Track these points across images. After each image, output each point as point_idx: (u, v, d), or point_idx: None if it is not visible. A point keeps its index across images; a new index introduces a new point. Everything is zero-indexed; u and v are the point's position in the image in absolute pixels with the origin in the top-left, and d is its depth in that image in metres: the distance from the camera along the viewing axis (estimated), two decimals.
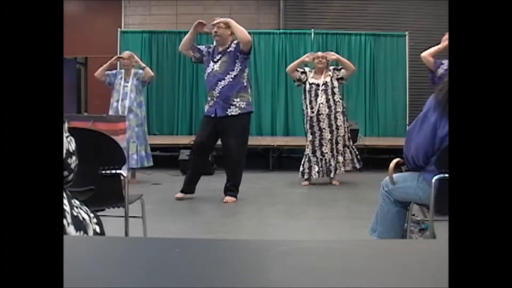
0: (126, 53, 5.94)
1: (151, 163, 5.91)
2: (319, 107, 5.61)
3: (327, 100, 5.61)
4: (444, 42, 4.48)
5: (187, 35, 4.83)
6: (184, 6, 9.21)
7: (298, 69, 5.82)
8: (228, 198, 4.80)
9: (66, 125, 1.41)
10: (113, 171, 2.46)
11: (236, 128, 4.74)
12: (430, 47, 4.69)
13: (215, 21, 4.73)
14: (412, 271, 0.70)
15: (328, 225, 4.04)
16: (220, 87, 4.68)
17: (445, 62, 4.43)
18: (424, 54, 4.64)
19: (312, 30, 8.85)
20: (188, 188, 4.91)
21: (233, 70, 4.70)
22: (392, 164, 2.59)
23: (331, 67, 5.78)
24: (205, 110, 4.87)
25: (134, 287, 0.62)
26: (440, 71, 4.44)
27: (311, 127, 5.70)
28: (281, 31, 9.01)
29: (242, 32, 4.65)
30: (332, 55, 5.71)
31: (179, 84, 8.91)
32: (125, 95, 5.69)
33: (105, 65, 5.78)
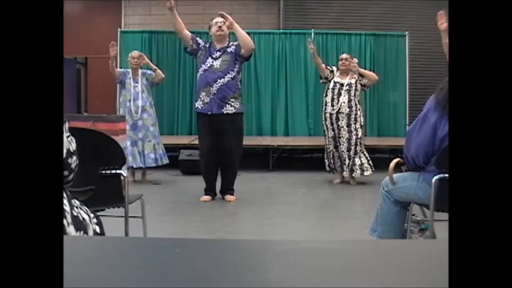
0: (135, 52, 5.89)
1: (168, 161, 5.96)
2: (340, 105, 5.70)
3: (349, 100, 5.70)
4: (442, 25, 3.86)
5: (173, 19, 4.81)
6: (184, 6, 9.20)
7: (328, 67, 5.92)
8: (231, 197, 4.82)
9: (66, 125, 1.41)
10: (113, 171, 2.46)
11: (232, 128, 4.72)
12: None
13: (222, 15, 4.68)
14: (412, 271, 0.70)
15: (328, 225, 4.04)
16: (219, 84, 4.62)
17: None
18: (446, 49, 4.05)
19: (312, 30, 8.84)
20: (213, 192, 4.90)
21: (233, 70, 4.68)
22: (392, 164, 2.59)
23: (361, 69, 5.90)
24: (199, 107, 4.75)
25: (134, 287, 0.62)
26: None
27: (331, 124, 5.77)
28: (281, 31, 9.00)
29: (247, 38, 4.65)
30: (353, 66, 5.72)
31: (179, 84, 8.91)
32: (137, 95, 5.68)
33: (110, 61, 5.62)
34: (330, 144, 5.86)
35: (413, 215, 2.59)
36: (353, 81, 5.74)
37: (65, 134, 1.39)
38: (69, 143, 1.41)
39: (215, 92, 4.63)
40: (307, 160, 8.07)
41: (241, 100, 4.86)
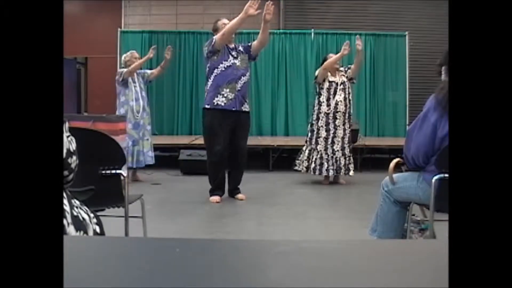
0: (135, 52, 6.00)
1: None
2: (337, 104, 5.69)
3: (345, 99, 5.71)
4: None
5: (239, 21, 4.56)
6: (184, 6, 9.21)
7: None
8: (242, 196, 4.88)
9: (67, 125, 1.41)
10: (113, 171, 2.46)
11: (248, 126, 4.89)
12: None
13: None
14: (412, 271, 0.70)
15: (328, 225, 4.04)
16: (243, 82, 4.71)
17: None
18: None
19: (312, 30, 8.85)
20: (221, 191, 4.87)
21: (249, 69, 4.84)
22: (392, 164, 2.59)
23: (341, 68, 5.88)
24: (221, 103, 4.66)
25: (134, 287, 0.62)
26: None
27: (327, 124, 5.73)
28: (281, 31, 9.00)
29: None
30: (358, 45, 5.63)
31: (179, 84, 8.91)
32: (137, 95, 5.75)
33: (139, 62, 5.74)
34: (319, 144, 5.77)
35: (413, 215, 2.59)
36: (344, 79, 5.75)
37: (65, 134, 1.39)
38: (69, 143, 1.41)
39: (239, 88, 4.68)
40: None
41: None
